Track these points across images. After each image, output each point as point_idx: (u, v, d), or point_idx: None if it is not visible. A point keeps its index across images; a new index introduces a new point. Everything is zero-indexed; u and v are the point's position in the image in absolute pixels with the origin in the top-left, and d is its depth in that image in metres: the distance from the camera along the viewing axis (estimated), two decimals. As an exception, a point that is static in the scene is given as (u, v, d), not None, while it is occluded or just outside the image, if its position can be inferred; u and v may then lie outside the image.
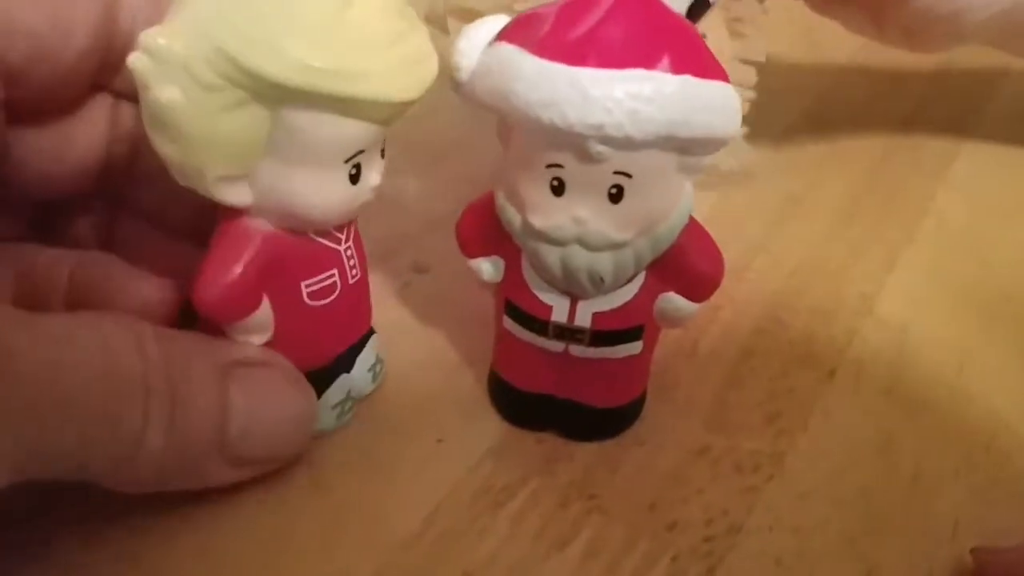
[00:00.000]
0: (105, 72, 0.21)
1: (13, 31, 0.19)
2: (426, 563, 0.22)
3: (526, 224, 0.21)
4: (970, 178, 0.37)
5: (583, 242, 0.21)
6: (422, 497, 0.23)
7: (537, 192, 0.21)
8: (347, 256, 0.22)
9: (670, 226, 0.21)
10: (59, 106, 0.21)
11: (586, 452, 0.25)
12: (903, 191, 0.36)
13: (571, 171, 0.20)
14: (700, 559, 0.22)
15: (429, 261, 0.31)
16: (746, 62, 0.30)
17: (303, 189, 0.20)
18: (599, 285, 0.21)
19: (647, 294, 0.22)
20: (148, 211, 0.24)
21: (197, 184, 0.19)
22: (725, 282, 0.23)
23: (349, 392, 0.24)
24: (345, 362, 0.24)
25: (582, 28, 0.19)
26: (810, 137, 0.38)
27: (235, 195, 0.20)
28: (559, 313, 0.22)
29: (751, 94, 0.30)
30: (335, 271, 0.22)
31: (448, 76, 0.21)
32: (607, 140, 0.19)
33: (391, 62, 0.19)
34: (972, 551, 0.22)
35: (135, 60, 0.18)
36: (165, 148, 0.19)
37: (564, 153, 0.20)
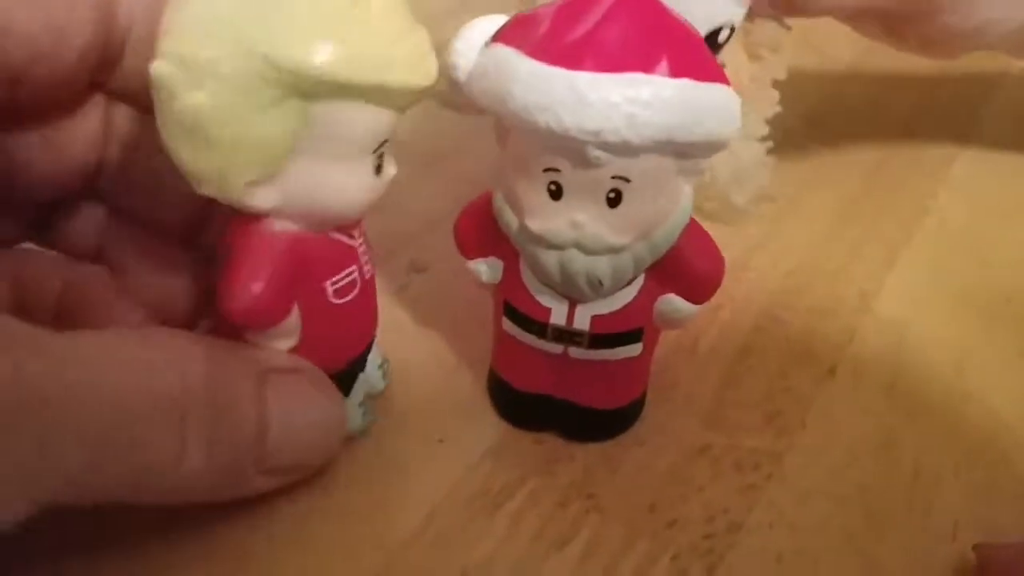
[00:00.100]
0: (102, 70, 0.21)
1: (12, 32, 0.19)
2: (425, 562, 0.22)
3: (523, 228, 0.21)
4: (970, 179, 0.37)
5: (581, 246, 0.20)
6: (421, 497, 0.23)
7: (534, 196, 0.20)
8: (361, 252, 0.22)
9: (669, 229, 0.21)
10: (57, 106, 0.21)
11: (585, 452, 0.25)
12: (903, 191, 0.36)
13: (568, 175, 0.20)
14: (700, 557, 0.22)
15: (427, 260, 0.31)
16: (767, 81, 0.30)
17: (334, 184, 0.20)
18: (598, 289, 0.21)
19: (646, 296, 0.22)
20: (142, 215, 0.24)
21: (223, 192, 0.19)
22: (725, 281, 0.22)
23: (367, 391, 0.25)
24: (361, 361, 0.24)
25: (580, 30, 0.19)
26: (810, 138, 0.38)
27: (262, 199, 0.19)
28: (557, 316, 0.22)
29: (777, 108, 0.30)
30: (354, 267, 0.22)
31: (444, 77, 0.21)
32: (604, 145, 0.19)
33: (412, 49, 0.19)
34: (975, 547, 0.22)
35: (158, 68, 0.18)
36: (190, 159, 0.18)
37: (561, 158, 0.20)
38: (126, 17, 0.21)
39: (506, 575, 0.22)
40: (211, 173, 0.19)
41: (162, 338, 0.19)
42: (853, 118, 0.41)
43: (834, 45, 0.44)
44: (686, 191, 0.21)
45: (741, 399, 0.27)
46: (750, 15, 0.28)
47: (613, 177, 0.19)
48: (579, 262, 0.21)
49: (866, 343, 0.29)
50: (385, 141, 0.20)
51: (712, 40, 0.26)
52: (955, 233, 0.34)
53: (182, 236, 0.24)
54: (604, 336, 0.22)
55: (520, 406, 0.25)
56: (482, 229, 0.23)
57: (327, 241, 0.21)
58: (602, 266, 0.21)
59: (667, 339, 0.25)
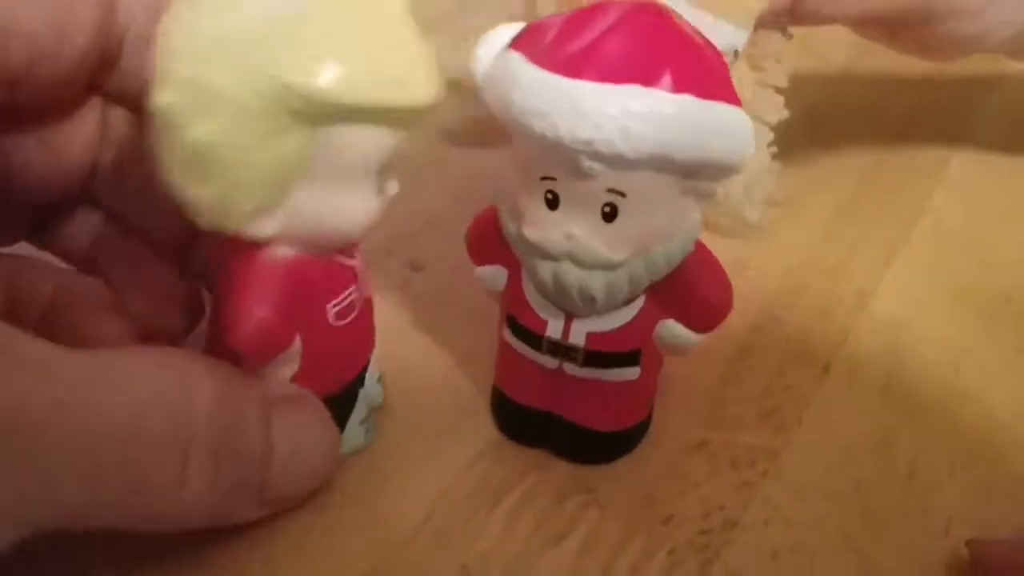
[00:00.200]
0: (101, 71, 0.21)
1: (14, 32, 0.18)
2: (424, 558, 0.22)
3: (521, 236, 0.21)
4: (966, 179, 0.37)
5: (575, 259, 0.20)
6: (420, 493, 0.24)
7: (532, 204, 0.21)
8: (359, 271, 0.22)
9: (670, 250, 0.20)
10: (56, 107, 0.21)
11: (583, 448, 0.25)
12: (900, 192, 0.36)
13: (564, 185, 0.20)
14: (696, 552, 0.22)
15: (426, 259, 0.32)
16: (769, 87, 0.30)
17: (339, 208, 0.19)
18: (591, 304, 0.21)
19: (646, 318, 0.22)
20: (135, 223, 0.23)
21: (227, 222, 0.18)
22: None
23: (368, 406, 0.24)
24: (361, 378, 0.24)
25: (585, 40, 0.19)
26: (807, 139, 0.38)
27: (265, 227, 0.19)
28: (554, 329, 0.22)
29: (783, 114, 0.30)
30: (354, 287, 0.22)
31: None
32: (597, 156, 0.18)
33: (418, 66, 0.19)
34: (968, 543, 0.22)
35: (165, 99, 0.17)
36: (195, 190, 0.18)
37: (557, 166, 0.20)
38: (126, 16, 0.20)
39: (505, 570, 0.22)
40: (213, 204, 0.18)
41: (170, 361, 0.19)
42: (851, 119, 0.41)
43: (831, 47, 0.45)
44: (694, 213, 0.21)
45: (738, 396, 0.27)
46: (755, 26, 0.28)
47: (608, 190, 0.19)
48: (572, 275, 0.21)
49: (863, 342, 0.29)
50: (390, 160, 0.20)
51: None
52: (952, 233, 0.34)
53: (173, 247, 0.24)
54: (599, 354, 0.22)
55: (517, 419, 0.25)
56: (489, 236, 0.23)
57: (327, 263, 0.21)
58: (596, 281, 0.20)
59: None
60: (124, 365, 0.18)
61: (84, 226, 0.23)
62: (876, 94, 0.43)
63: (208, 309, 0.24)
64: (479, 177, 0.34)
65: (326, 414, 0.22)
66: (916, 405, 0.27)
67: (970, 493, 0.24)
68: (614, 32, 0.19)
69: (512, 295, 0.23)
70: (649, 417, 0.25)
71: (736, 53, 0.27)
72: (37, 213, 0.23)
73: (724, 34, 0.26)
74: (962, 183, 0.37)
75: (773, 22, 0.28)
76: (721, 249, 0.22)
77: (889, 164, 0.38)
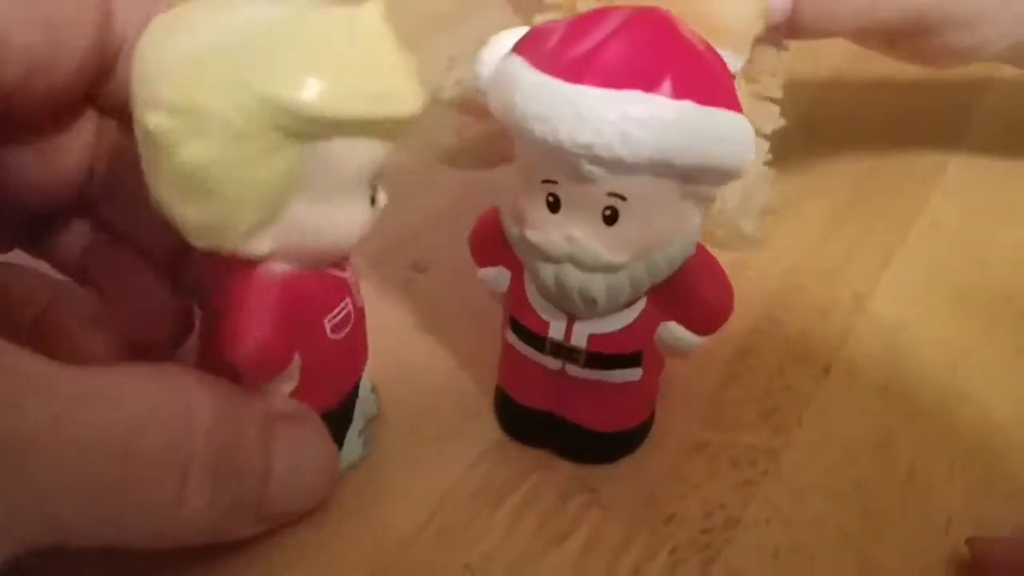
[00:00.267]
0: (97, 84, 0.21)
1: (10, 44, 0.18)
2: (427, 558, 0.22)
3: (523, 238, 0.21)
4: (963, 181, 0.37)
5: (576, 261, 0.20)
6: (423, 493, 0.24)
7: (534, 207, 0.21)
8: (352, 283, 0.22)
9: (671, 253, 0.21)
10: (52, 119, 0.21)
11: (585, 448, 0.25)
12: (896, 193, 0.36)
13: (565, 188, 0.20)
14: (698, 551, 0.22)
15: (429, 260, 0.32)
16: (764, 99, 0.30)
17: (332, 221, 0.19)
18: (592, 306, 0.21)
19: (647, 320, 0.22)
20: (127, 233, 0.23)
21: (222, 242, 0.18)
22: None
23: (364, 416, 0.24)
24: (356, 389, 0.24)
25: (587, 45, 0.19)
26: (804, 141, 0.38)
27: (260, 245, 0.19)
28: (556, 331, 0.22)
29: (779, 123, 0.30)
30: (348, 299, 0.22)
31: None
32: (597, 160, 0.19)
33: (403, 77, 0.19)
34: (968, 541, 0.22)
35: (155, 121, 0.17)
36: (189, 212, 0.18)
37: (558, 169, 0.20)
38: (122, 28, 0.20)
39: (508, 569, 0.22)
40: (208, 225, 0.18)
41: (168, 377, 0.19)
42: (846, 122, 0.41)
43: (826, 51, 0.45)
44: (694, 217, 0.21)
45: (739, 397, 0.27)
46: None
47: (609, 194, 0.19)
48: (574, 277, 0.21)
49: (862, 343, 0.29)
50: (380, 171, 0.20)
51: None
52: (949, 234, 0.34)
53: (166, 260, 0.23)
54: (601, 356, 0.22)
55: (520, 420, 0.25)
56: (492, 238, 0.23)
57: (321, 277, 0.21)
58: (597, 283, 0.21)
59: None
60: (121, 381, 0.18)
61: (78, 236, 0.23)
62: (871, 97, 0.43)
63: (199, 324, 0.24)
64: (481, 180, 0.35)
65: (325, 431, 0.22)
66: (915, 405, 0.27)
67: (970, 492, 0.24)
68: (616, 38, 0.19)
69: (515, 297, 0.23)
70: (651, 418, 0.25)
71: (734, 76, 0.27)
72: (32, 222, 0.23)
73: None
74: (959, 184, 0.37)
75: (769, 38, 0.28)
76: (720, 251, 0.23)
77: (886, 166, 0.38)
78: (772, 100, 0.31)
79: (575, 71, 0.19)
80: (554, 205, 0.20)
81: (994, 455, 0.25)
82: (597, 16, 0.20)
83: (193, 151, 0.17)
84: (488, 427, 0.26)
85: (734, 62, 0.27)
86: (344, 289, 0.22)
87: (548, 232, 0.21)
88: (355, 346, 0.23)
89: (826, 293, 0.31)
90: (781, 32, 0.29)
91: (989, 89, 0.43)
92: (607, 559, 0.22)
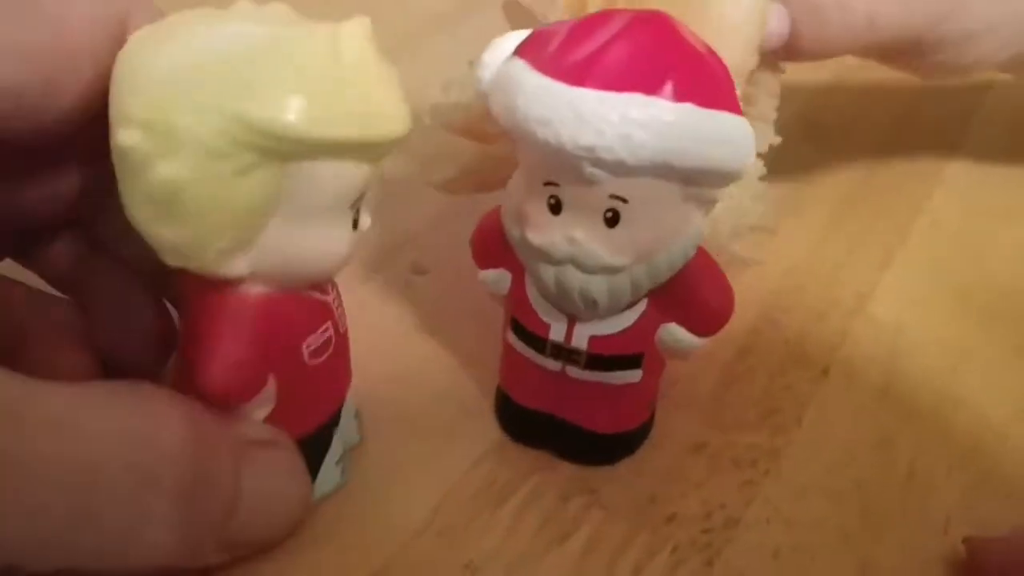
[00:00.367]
0: (95, 121, 0.19)
1: None
2: (429, 557, 0.22)
3: (524, 240, 0.21)
4: (963, 180, 0.37)
5: (577, 263, 0.21)
6: (425, 493, 0.24)
7: (535, 209, 0.21)
8: (335, 306, 0.22)
9: (672, 255, 0.21)
10: (43, 149, 0.20)
11: (586, 448, 0.25)
12: (896, 193, 0.36)
13: (567, 191, 0.20)
14: (699, 551, 0.23)
15: (429, 262, 0.32)
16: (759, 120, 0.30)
17: (312, 245, 0.19)
18: (593, 308, 0.21)
19: (648, 322, 0.22)
20: (116, 250, 0.23)
21: (196, 262, 0.18)
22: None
23: (344, 445, 0.24)
24: (337, 417, 0.23)
25: (588, 48, 0.19)
26: (803, 139, 0.38)
27: (236, 266, 0.18)
28: (556, 332, 0.22)
29: (775, 141, 0.30)
30: (329, 323, 0.21)
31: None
32: (599, 163, 0.19)
33: (386, 99, 0.18)
34: (964, 540, 0.22)
35: (128, 139, 0.16)
36: (163, 231, 0.17)
37: (560, 172, 0.20)
38: None
39: (509, 569, 0.22)
40: (182, 244, 0.18)
41: (138, 398, 0.18)
42: (846, 123, 0.41)
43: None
44: (696, 219, 0.21)
45: (738, 398, 0.27)
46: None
47: (610, 196, 0.20)
48: (575, 279, 0.21)
49: (861, 344, 0.29)
50: (362, 194, 0.20)
51: None
52: (949, 234, 0.34)
53: (155, 277, 0.23)
54: (601, 358, 0.22)
55: (520, 421, 0.25)
56: (493, 240, 0.23)
57: (301, 300, 0.20)
58: (598, 285, 0.21)
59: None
60: (88, 404, 0.17)
61: (69, 250, 0.23)
62: (872, 97, 0.43)
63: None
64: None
65: (299, 460, 0.21)
66: (915, 406, 0.27)
67: (968, 492, 0.24)
68: (618, 41, 0.19)
69: (516, 299, 0.23)
70: (651, 419, 0.25)
71: None
72: (23, 235, 0.23)
73: None
74: (959, 185, 0.37)
75: (766, 62, 0.29)
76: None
77: (886, 166, 0.38)
78: (767, 120, 0.31)
79: (577, 74, 0.19)
80: (556, 207, 0.20)
81: (992, 455, 0.26)
82: (599, 19, 0.20)
83: (165, 170, 0.16)
84: (489, 428, 0.26)
85: None
86: (325, 313, 0.21)
87: (550, 234, 0.21)
88: (336, 372, 0.22)
89: (826, 294, 0.31)
90: (779, 56, 0.29)
91: (990, 90, 0.43)
92: (608, 559, 0.22)
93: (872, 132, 0.40)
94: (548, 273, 0.21)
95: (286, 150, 0.17)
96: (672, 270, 0.21)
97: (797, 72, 0.31)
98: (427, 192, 0.34)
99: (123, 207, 0.18)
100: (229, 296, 0.19)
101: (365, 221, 0.20)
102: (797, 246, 0.33)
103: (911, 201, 0.36)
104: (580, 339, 0.22)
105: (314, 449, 0.22)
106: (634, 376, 0.23)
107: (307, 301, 0.20)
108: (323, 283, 0.21)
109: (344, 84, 0.18)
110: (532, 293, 0.23)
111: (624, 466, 0.25)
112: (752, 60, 0.28)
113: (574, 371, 0.23)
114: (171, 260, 0.18)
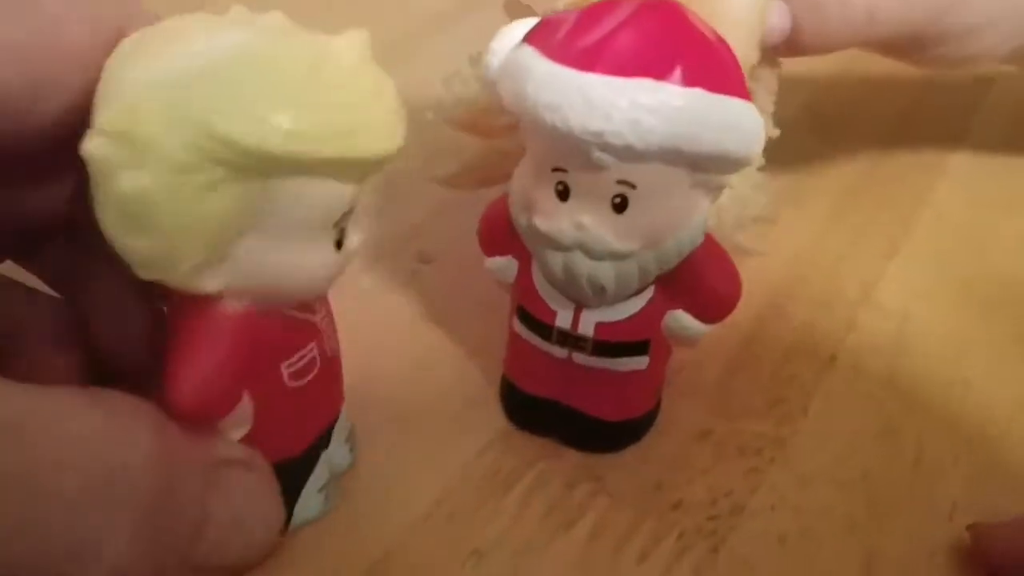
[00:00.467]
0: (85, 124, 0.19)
1: None
2: (435, 544, 0.22)
3: (532, 226, 0.21)
4: (967, 172, 0.37)
5: (585, 249, 0.21)
6: (432, 480, 0.24)
7: (543, 195, 0.21)
8: (323, 326, 0.21)
9: (680, 241, 0.21)
10: (34, 157, 0.19)
11: (592, 436, 0.25)
12: (901, 184, 0.36)
13: (575, 176, 0.20)
14: (705, 538, 0.23)
15: (434, 251, 0.32)
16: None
17: (289, 264, 0.18)
18: (600, 294, 0.21)
19: (655, 309, 0.22)
20: (111, 257, 0.23)
21: (168, 276, 0.17)
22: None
23: (330, 470, 0.23)
24: (324, 439, 0.22)
25: (597, 34, 0.19)
26: (808, 131, 0.38)
27: (210, 282, 0.18)
28: (563, 319, 0.22)
29: (773, 133, 0.30)
30: (313, 344, 0.20)
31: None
32: (607, 148, 0.19)
33: (375, 116, 0.18)
34: (969, 527, 0.22)
35: (94, 148, 0.16)
36: (132, 243, 0.17)
37: (568, 158, 0.20)
38: None
39: (515, 555, 0.22)
40: (152, 257, 0.17)
41: (112, 409, 0.17)
42: (851, 113, 0.41)
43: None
44: (703, 206, 0.21)
45: (744, 386, 0.27)
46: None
47: (618, 182, 0.20)
48: (582, 265, 0.21)
49: (867, 333, 0.29)
50: (346, 213, 0.19)
51: None
52: (954, 225, 0.34)
53: (151, 283, 0.23)
54: (608, 344, 0.22)
55: (526, 408, 0.25)
56: (500, 228, 0.23)
57: (282, 320, 0.19)
58: (605, 271, 0.21)
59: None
60: (54, 410, 0.16)
61: (66, 252, 0.23)
62: (876, 89, 0.43)
63: None
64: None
65: (273, 482, 0.21)
66: (920, 394, 0.27)
67: (973, 480, 0.24)
68: (626, 27, 0.19)
69: (522, 286, 0.23)
70: (657, 406, 0.25)
71: None
72: (22, 236, 0.22)
73: None
74: (963, 175, 0.37)
75: (765, 58, 0.29)
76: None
77: (890, 158, 0.38)
78: (765, 114, 0.31)
79: (586, 60, 0.19)
80: (563, 193, 0.20)
81: (997, 443, 0.26)
82: (608, 6, 0.20)
83: (129, 181, 0.16)
84: (495, 416, 0.26)
85: None
86: (311, 333, 0.20)
87: (557, 220, 0.21)
88: (321, 395, 0.22)
89: (831, 283, 0.31)
90: (780, 51, 0.29)
91: (993, 82, 0.43)
92: (613, 546, 0.22)
93: (876, 124, 0.40)
94: (556, 260, 0.21)
95: (259, 167, 0.16)
96: (680, 256, 0.21)
97: (801, 64, 0.31)
98: (430, 183, 0.34)
99: (97, 218, 0.17)
100: (206, 310, 0.18)
101: (352, 241, 0.20)
102: (801, 236, 0.33)
103: (915, 192, 0.36)
104: (587, 326, 0.22)
105: (294, 474, 0.22)
106: (640, 363, 0.23)
107: (289, 321, 0.20)
108: (309, 302, 0.20)
109: (326, 99, 0.17)
110: (538, 280, 0.23)
111: (630, 453, 0.25)
112: (754, 55, 0.28)
113: (580, 358, 0.23)
114: (143, 273, 0.17)
